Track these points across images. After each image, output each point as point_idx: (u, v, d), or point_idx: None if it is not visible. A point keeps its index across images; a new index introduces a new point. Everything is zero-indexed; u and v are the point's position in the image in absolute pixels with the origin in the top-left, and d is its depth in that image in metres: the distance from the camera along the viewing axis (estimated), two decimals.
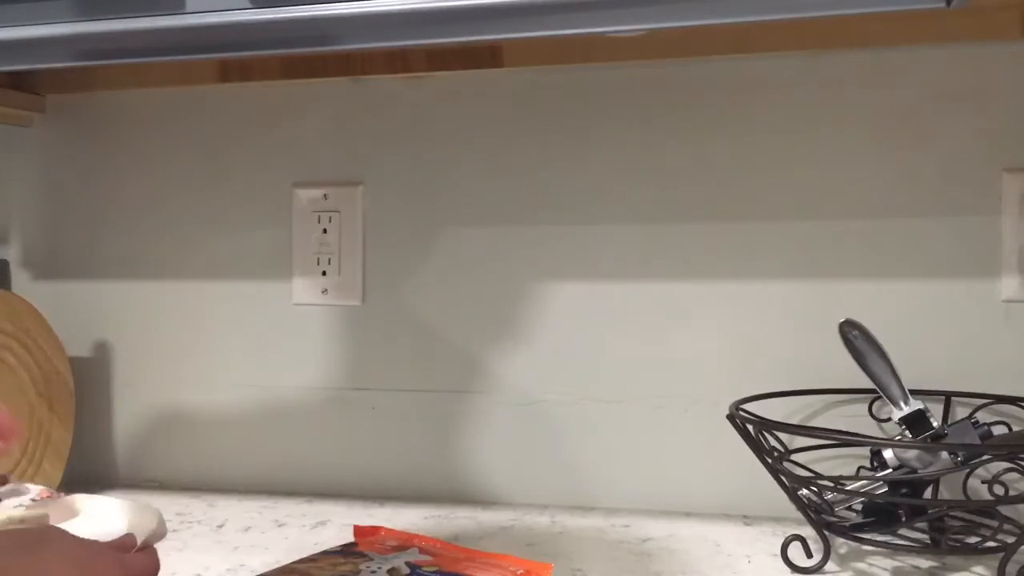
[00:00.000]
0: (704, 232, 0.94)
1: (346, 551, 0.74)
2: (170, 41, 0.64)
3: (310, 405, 1.03)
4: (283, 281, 1.04)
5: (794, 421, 0.90)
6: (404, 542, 0.76)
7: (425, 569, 0.68)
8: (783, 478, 0.77)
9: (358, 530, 0.79)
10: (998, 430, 0.83)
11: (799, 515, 0.79)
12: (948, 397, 0.86)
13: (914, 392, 0.80)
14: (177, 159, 1.07)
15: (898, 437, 0.80)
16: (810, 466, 0.83)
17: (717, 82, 0.93)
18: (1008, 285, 0.87)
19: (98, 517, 0.59)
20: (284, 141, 1.04)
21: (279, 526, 0.91)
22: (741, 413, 0.79)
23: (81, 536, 0.53)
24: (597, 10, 0.58)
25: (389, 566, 0.68)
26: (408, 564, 0.69)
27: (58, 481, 0.99)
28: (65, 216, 1.10)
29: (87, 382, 1.07)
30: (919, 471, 0.76)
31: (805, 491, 0.77)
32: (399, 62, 0.97)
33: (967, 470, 0.79)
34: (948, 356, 0.88)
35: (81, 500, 0.62)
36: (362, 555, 0.72)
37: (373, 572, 0.67)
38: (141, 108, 1.08)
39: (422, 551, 0.73)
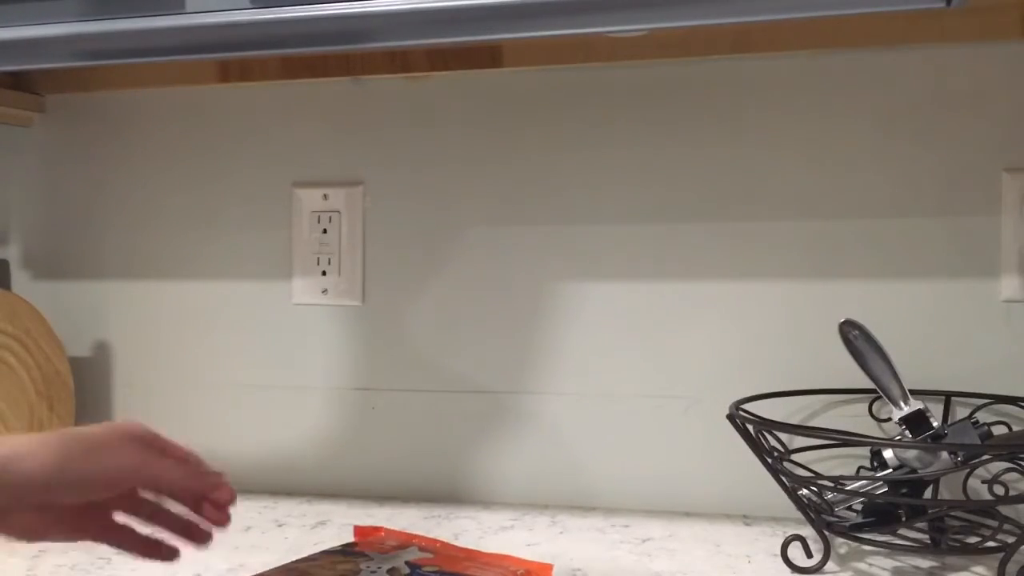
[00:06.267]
0: (704, 232, 0.94)
1: (346, 551, 0.74)
2: (170, 41, 0.64)
3: (310, 405, 1.03)
4: (283, 281, 1.04)
5: (794, 421, 0.90)
6: (404, 542, 0.76)
7: (425, 569, 0.69)
8: (783, 478, 0.77)
9: (358, 530, 0.79)
10: (998, 430, 0.83)
11: (799, 515, 0.78)
12: (948, 397, 0.86)
13: (914, 392, 0.79)
14: (177, 159, 1.07)
15: (898, 437, 0.80)
16: (810, 466, 0.83)
17: (717, 82, 0.93)
18: (1008, 285, 0.87)
19: None
20: (284, 141, 1.04)
21: (279, 526, 0.91)
22: (741, 413, 0.79)
23: None
24: (597, 10, 0.58)
25: (389, 566, 0.68)
26: (408, 564, 0.69)
27: None
28: (65, 216, 1.10)
29: (87, 382, 1.07)
30: (919, 471, 0.76)
31: (805, 491, 0.77)
32: (399, 62, 0.97)
33: (967, 470, 0.79)
34: (948, 356, 0.88)
35: None
36: (362, 555, 0.72)
37: (373, 572, 0.67)
38: (141, 108, 1.08)
39: (422, 551, 0.73)
